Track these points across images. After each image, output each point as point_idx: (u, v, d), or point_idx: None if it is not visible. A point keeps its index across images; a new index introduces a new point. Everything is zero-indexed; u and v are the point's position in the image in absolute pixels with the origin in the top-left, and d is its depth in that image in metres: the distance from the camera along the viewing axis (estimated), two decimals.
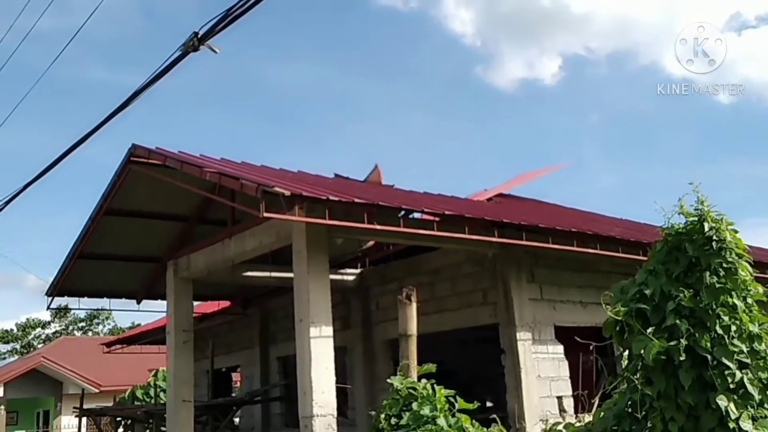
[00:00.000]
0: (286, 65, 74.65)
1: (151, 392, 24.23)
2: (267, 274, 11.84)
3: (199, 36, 5.72)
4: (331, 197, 7.92)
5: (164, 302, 12.75)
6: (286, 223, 8.64)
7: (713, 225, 4.42)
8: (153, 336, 19.83)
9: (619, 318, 4.42)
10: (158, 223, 12.42)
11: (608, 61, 73.84)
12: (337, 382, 8.76)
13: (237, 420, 18.27)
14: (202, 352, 16.46)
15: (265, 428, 16.20)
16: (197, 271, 11.80)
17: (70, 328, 55.54)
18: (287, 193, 7.40)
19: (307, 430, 8.17)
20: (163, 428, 14.29)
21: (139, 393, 25.50)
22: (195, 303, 14.12)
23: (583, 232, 10.32)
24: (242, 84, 77.93)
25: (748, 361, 4.17)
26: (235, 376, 21.57)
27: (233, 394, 20.09)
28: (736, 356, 4.15)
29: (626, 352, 4.47)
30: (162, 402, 19.41)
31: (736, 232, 4.49)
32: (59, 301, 14.15)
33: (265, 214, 7.51)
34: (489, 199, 16.33)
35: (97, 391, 30.57)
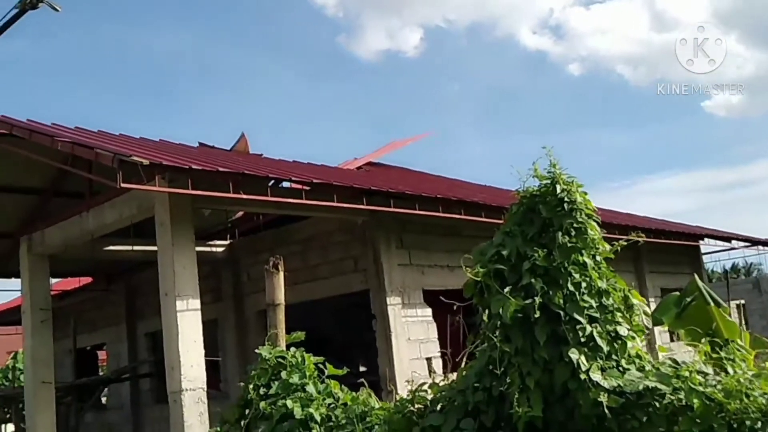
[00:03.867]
0: (149, 34, 71.50)
1: (11, 375, 22.92)
2: (129, 247, 11.36)
3: None
4: (194, 166, 7.67)
5: (19, 280, 12.01)
6: (148, 194, 8.31)
7: (565, 187, 4.62)
8: (9, 316, 18.70)
9: (479, 279, 4.56)
10: (8, 196, 11.60)
11: (467, 33, 75.90)
12: (209, 355, 8.58)
13: (104, 399, 17.65)
14: (64, 331, 15.68)
15: (134, 406, 15.71)
16: (53, 247, 11.18)
17: None
18: (146, 162, 7.08)
19: (176, 405, 7.98)
20: (24, 413, 13.56)
21: None
22: (54, 280, 13.39)
23: (448, 198, 10.58)
24: (103, 53, 74.04)
25: (598, 315, 4.41)
26: (102, 355, 20.75)
27: (100, 373, 19.33)
28: (586, 311, 4.38)
29: (486, 312, 4.61)
30: (22, 385, 18.39)
31: (585, 194, 4.71)
32: None
33: (123, 185, 7.17)
34: (359, 168, 16.41)
35: None
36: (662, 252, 16.01)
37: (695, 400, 3.89)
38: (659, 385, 4.03)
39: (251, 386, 5.69)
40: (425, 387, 5.04)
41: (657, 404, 4.01)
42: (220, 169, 8.05)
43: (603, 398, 4.07)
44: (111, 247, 11.48)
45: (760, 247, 18.80)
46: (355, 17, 78.98)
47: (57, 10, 5.37)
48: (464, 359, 5.25)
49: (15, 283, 13.84)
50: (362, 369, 14.31)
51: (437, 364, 10.64)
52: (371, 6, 75.28)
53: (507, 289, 4.44)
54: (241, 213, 12.26)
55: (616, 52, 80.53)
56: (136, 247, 11.25)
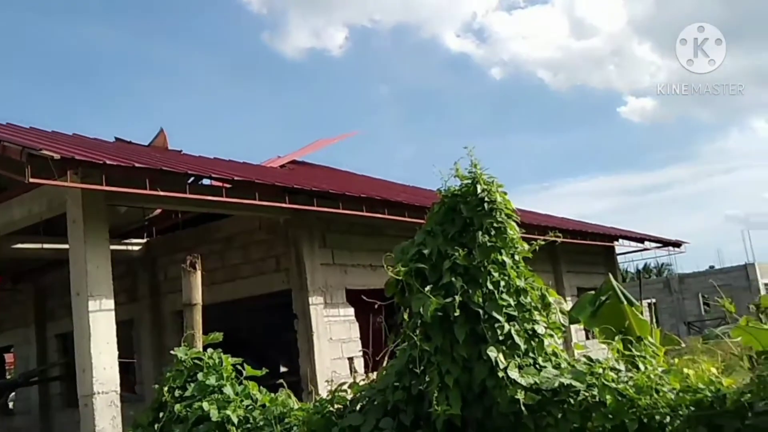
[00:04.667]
0: (66, 24, 68.98)
1: None
2: (39, 245, 10.88)
3: None
4: (108, 161, 7.40)
5: None
6: (59, 190, 7.96)
7: (485, 187, 4.66)
8: None
9: (400, 278, 4.55)
10: None
11: (392, 34, 76.54)
12: (123, 357, 8.30)
13: (11, 404, 16.91)
14: None
15: (43, 410, 15.08)
16: None
17: None
18: (57, 156, 6.78)
19: (87, 409, 7.68)
20: None
21: None
22: None
23: (372, 197, 10.57)
24: (13, 42, 70.95)
25: (516, 313, 4.47)
26: (9, 357, 19.87)
27: (7, 377, 18.51)
28: (504, 310, 4.43)
29: (407, 311, 4.60)
30: None
31: (505, 194, 4.76)
32: None
33: (32, 180, 6.85)
34: (282, 166, 16.25)
35: None
36: (579, 252, 16.46)
37: (608, 396, 3.98)
38: (574, 382, 4.11)
39: (166, 388, 5.53)
40: (345, 387, 5.00)
41: (572, 401, 4.08)
42: (136, 164, 7.80)
43: (520, 396, 4.12)
44: (19, 246, 10.95)
45: (671, 248, 19.58)
46: (280, 14, 78.54)
47: None
48: (386, 358, 5.23)
49: None
50: (283, 370, 14.18)
51: (359, 364, 10.62)
52: (296, 3, 74.96)
53: (428, 288, 4.45)
54: (158, 211, 11.92)
55: (536, 57, 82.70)
56: (45, 246, 10.79)
